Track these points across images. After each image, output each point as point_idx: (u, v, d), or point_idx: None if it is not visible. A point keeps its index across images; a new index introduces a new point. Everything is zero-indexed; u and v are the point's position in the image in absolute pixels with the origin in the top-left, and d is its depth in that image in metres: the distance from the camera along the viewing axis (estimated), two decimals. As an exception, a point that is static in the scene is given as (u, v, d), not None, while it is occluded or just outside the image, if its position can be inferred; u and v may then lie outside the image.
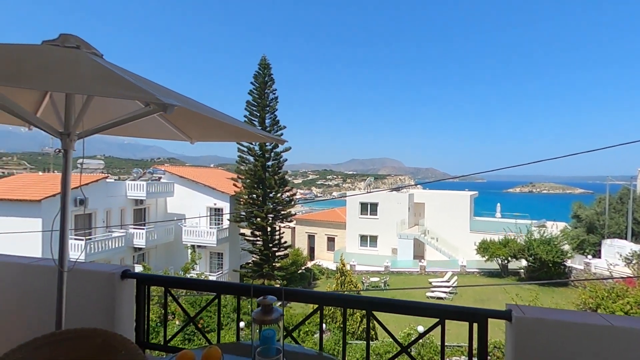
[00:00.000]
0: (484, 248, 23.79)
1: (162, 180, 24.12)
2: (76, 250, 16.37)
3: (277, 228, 23.19)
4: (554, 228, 25.69)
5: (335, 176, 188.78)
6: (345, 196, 34.04)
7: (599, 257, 22.43)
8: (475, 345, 1.82)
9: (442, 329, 1.82)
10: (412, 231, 29.59)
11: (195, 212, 23.26)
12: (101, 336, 1.85)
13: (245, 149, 22.46)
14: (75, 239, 17.43)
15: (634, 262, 19.06)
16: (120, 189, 21.08)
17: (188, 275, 14.15)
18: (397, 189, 32.35)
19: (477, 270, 24.96)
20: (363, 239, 31.29)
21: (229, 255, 23.69)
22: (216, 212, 24.05)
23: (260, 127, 22.42)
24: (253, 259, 22.97)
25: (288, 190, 23.72)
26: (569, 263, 22.30)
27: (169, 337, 2.26)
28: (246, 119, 22.43)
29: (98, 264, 2.51)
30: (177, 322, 11.67)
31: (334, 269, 25.98)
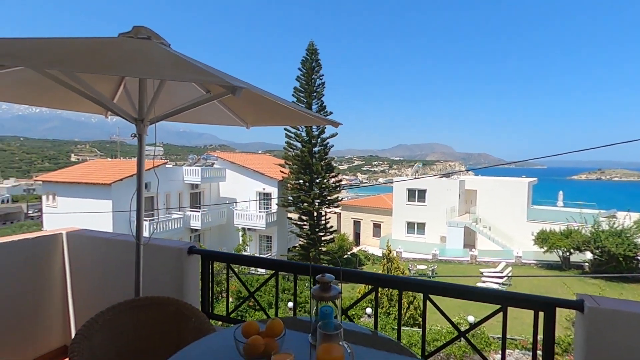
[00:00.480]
0: (543, 239, 22.24)
1: (215, 165, 25.38)
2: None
3: (323, 213, 23.48)
4: (627, 219, 23.24)
5: (381, 162, 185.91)
6: (393, 182, 33.47)
7: (681, 252, 20.00)
8: (540, 336, 1.73)
9: (504, 317, 1.76)
10: (462, 219, 28.45)
11: (245, 197, 24.27)
12: (174, 305, 2.03)
13: (293, 135, 22.80)
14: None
15: None
16: (178, 174, 22.53)
17: (240, 256, 14.88)
18: (448, 175, 31.10)
19: (534, 261, 23.49)
20: (410, 226, 30.68)
21: (277, 238, 24.52)
22: (265, 197, 24.89)
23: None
24: (300, 242, 23.55)
25: (334, 176, 23.83)
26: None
27: (230, 309, 2.41)
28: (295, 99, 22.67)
29: (168, 240, 2.73)
30: (230, 299, 12.40)
31: (380, 255, 25.90)
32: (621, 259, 19.52)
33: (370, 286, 2.01)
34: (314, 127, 22.79)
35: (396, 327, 2.08)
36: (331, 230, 23.88)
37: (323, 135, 22.73)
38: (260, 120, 2.89)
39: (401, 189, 30.89)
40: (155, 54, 1.58)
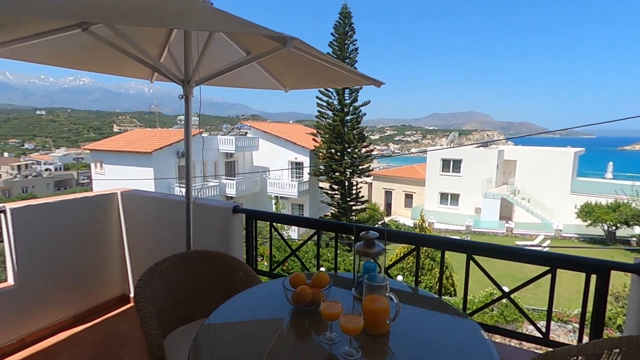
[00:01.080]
0: (587, 212, 21.12)
1: (248, 135, 25.77)
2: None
3: (355, 183, 23.47)
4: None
5: (414, 132, 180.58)
6: (427, 151, 32.58)
7: None
8: (590, 303, 1.68)
9: (553, 279, 1.72)
10: (499, 190, 27.45)
11: (277, 166, 24.66)
12: (223, 258, 2.16)
13: (325, 104, 22.52)
14: (179, 187, 19.99)
15: None
16: (213, 143, 23.15)
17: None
18: (485, 145, 29.79)
19: (575, 235, 22.49)
20: (443, 196, 30.05)
21: (309, 206, 24.96)
22: (297, 166, 25.15)
23: (339, 81, 22.12)
24: (331, 211, 23.85)
25: (366, 146, 23.54)
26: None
27: (273, 267, 2.53)
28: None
29: (214, 200, 2.86)
30: (265, 263, 12.98)
31: (411, 225, 25.76)
32: (674, 234, 18.26)
33: (412, 246, 2.02)
34: (346, 95, 22.37)
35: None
36: (362, 199, 23.92)
37: (355, 104, 22.28)
38: (300, 83, 2.87)
39: (435, 159, 30.05)
40: (204, 10, 1.58)
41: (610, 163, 28.87)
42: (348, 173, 23.05)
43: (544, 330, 1.78)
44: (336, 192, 23.14)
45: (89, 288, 2.93)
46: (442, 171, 29.86)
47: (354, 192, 23.34)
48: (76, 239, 2.79)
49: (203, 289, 2.11)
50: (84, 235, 2.84)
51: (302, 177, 24.91)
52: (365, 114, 22.56)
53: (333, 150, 22.68)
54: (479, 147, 29.86)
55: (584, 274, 1.65)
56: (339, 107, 22.35)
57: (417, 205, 30.53)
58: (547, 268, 1.72)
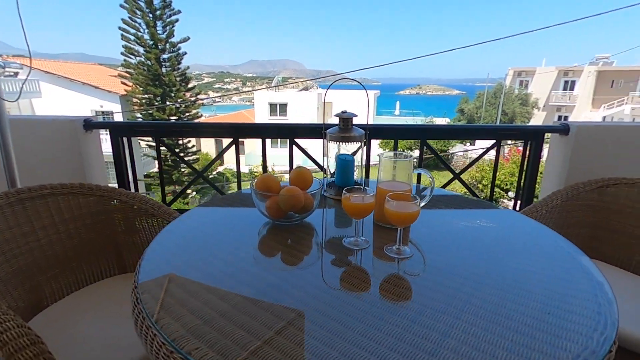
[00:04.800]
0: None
1: (19, 77, 18.96)
2: None
3: (183, 131, 21.23)
4: (442, 122, 29.12)
5: (233, 79, 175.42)
6: (254, 90, 32.40)
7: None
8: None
9: (497, 151, 1.77)
10: (321, 130, 30.37)
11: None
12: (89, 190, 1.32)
13: (133, 38, 18.61)
14: None
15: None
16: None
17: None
18: (306, 88, 31.85)
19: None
20: (274, 140, 31.08)
21: (129, 162, 21.31)
22: (104, 114, 20.61)
23: (148, 9, 18.50)
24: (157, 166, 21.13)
25: (191, 88, 21.26)
26: (452, 150, 26.11)
27: (168, 200, 1.79)
28: (127, -3, 18.10)
29: (48, 115, 1.75)
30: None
31: (247, 171, 25.75)
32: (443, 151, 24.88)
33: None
34: (159, 28, 19.03)
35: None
36: (192, 150, 22.04)
37: (172, 40, 19.31)
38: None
39: (263, 104, 30.28)
40: None
41: (398, 102, 36.03)
42: (173, 121, 20.50)
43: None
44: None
45: None
46: (270, 115, 30.49)
47: (182, 142, 21.12)
48: None
49: (59, 245, 1.26)
50: None
51: (115, 129, 20.71)
52: (186, 52, 19.95)
53: (152, 96, 19.46)
54: (300, 90, 31.71)
55: (522, 142, 1.76)
56: (152, 42, 18.90)
57: (250, 151, 30.62)
58: (494, 141, 1.75)
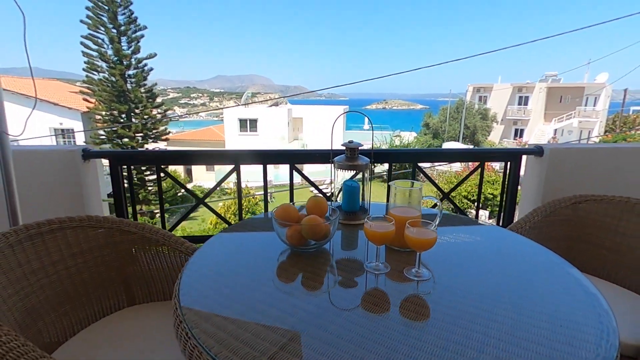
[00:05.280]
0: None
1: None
2: None
3: (149, 149, 20.58)
4: (409, 136, 30.17)
5: (200, 94, 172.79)
6: (224, 108, 32.08)
7: (440, 157, 27.91)
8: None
9: (481, 172, 1.93)
10: (292, 145, 30.47)
11: (32, 135, 18.42)
12: (101, 223, 1.31)
13: (95, 54, 18.03)
14: None
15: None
16: None
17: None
18: (276, 104, 32.00)
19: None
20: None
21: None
22: (63, 132, 19.64)
23: (111, 25, 18.07)
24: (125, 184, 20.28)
25: (158, 105, 20.78)
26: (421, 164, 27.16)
27: (170, 226, 1.79)
28: (90, 12, 17.63)
29: (44, 145, 1.70)
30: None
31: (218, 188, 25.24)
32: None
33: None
34: (124, 44, 18.59)
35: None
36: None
37: (138, 56, 18.90)
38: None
39: (233, 119, 30.06)
40: None
41: (367, 117, 36.93)
42: (140, 138, 19.85)
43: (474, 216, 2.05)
44: (127, 161, 19.64)
45: None
46: (241, 131, 30.28)
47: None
48: None
49: (64, 283, 1.24)
50: None
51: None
52: (152, 68, 19.56)
53: (117, 112, 18.81)
54: (270, 106, 31.84)
55: (503, 163, 1.92)
56: (116, 58, 18.40)
57: (220, 168, 30.12)
58: (478, 163, 1.90)
